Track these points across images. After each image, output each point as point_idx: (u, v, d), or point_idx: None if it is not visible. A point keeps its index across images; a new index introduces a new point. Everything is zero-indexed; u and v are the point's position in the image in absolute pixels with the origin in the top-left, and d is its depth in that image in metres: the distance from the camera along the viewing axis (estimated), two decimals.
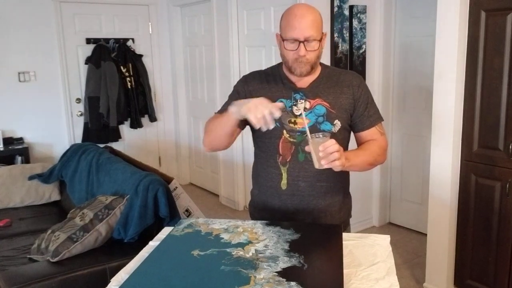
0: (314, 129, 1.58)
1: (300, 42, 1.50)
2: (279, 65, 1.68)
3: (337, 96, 1.62)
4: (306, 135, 1.44)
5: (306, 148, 1.46)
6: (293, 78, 1.62)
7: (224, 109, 1.64)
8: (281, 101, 1.60)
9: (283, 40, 1.53)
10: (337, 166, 1.40)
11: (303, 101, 1.60)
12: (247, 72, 1.79)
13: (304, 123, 1.54)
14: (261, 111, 1.36)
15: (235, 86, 1.73)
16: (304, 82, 1.62)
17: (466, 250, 2.69)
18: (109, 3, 4.74)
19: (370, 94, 1.69)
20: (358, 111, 1.65)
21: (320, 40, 1.53)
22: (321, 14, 1.57)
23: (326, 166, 1.40)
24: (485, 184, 2.56)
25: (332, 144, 1.38)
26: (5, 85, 4.27)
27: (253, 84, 1.66)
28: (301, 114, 1.58)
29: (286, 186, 1.64)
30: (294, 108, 1.60)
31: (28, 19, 4.30)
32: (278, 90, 1.63)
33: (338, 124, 1.62)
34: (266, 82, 1.66)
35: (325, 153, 1.38)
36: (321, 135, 1.42)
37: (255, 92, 1.63)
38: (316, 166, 1.42)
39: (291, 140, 1.60)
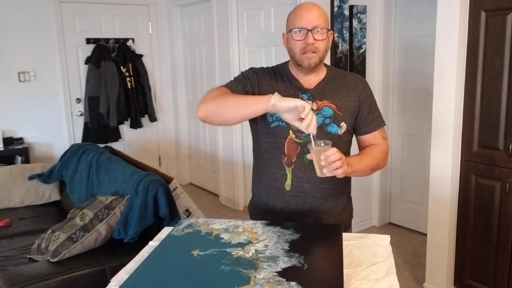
0: (321, 130, 1.57)
1: (308, 30, 1.51)
2: (285, 64, 1.68)
3: (344, 99, 1.62)
4: (309, 143, 1.43)
5: (308, 156, 1.46)
6: (300, 77, 1.62)
7: (233, 87, 1.60)
8: None
9: (291, 31, 1.54)
10: (339, 174, 1.41)
11: (310, 102, 1.59)
12: None
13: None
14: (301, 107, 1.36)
15: (243, 72, 1.68)
16: (310, 83, 1.62)
17: (466, 250, 2.70)
18: (109, 3, 4.74)
19: (374, 98, 1.70)
20: (362, 114, 1.65)
21: (328, 31, 1.55)
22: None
23: (328, 175, 1.41)
24: (485, 184, 2.56)
25: (333, 153, 1.38)
26: (5, 85, 4.27)
27: (262, 79, 1.65)
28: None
29: (290, 186, 1.63)
30: None
31: (28, 19, 4.30)
32: (285, 89, 1.62)
33: (344, 126, 1.62)
34: (274, 80, 1.65)
35: (326, 162, 1.38)
36: (322, 143, 1.42)
37: (263, 88, 1.62)
38: (318, 174, 1.43)
39: (297, 141, 1.59)
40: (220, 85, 1.66)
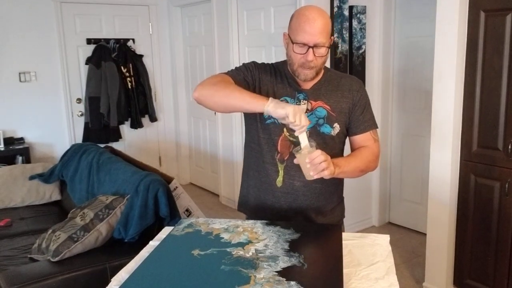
0: (314, 130, 1.59)
1: (309, 47, 1.50)
2: (284, 63, 1.68)
3: (338, 100, 1.64)
4: (295, 149, 1.45)
5: (295, 161, 1.47)
6: (297, 78, 1.63)
7: (234, 75, 1.60)
8: (286, 99, 1.61)
9: (292, 42, 1.53)
10: (326, 175, 1.42)
11: (305, 101, 1.61)
12: None
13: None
14: (300, 117, 1.39)
15: (246, 64, 1.68)
16: (307, 84, 1.63)
17: (465, 249, 2.70)
18: (109, 4, 4.75)
19: (368, 100, 1.71)
20: (354, 115, 1.66)
21: (328, 46, 1.54)
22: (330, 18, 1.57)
23: (316, 177, 1.42)
24: (484, 184, 2.56)
25: (318, 155, 1.40)
26: (6, 85, 4.28)
27: (263, 74, 1.66)
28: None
29: (281, 183, 1.64)
30: None
31: (29, 20, 4.31)
32: (283, 87, 1.64)
33: (337, 127, 1.63)
34: (274, 76, 1.66)
35: (312, 164, 1.40)
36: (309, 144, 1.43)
37: (263, 83, 1.63)
38: (307, 178, 1.45)
39: (291, 139, 1.60)
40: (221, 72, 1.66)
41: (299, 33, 1.50)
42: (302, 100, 1.61)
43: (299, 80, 1.61)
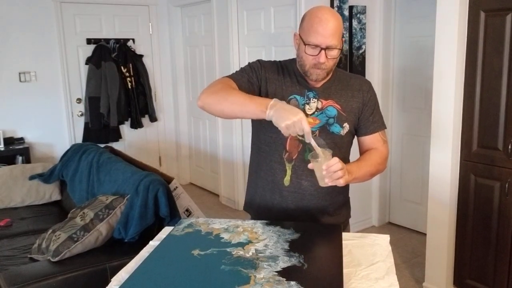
0: (324, 130, 1.58)
1: (321, 49, 1.49)
2: (292, 61, 1.66)
3: (348, 99, 1.63)
4: (310, 153, 1.43)
5: (310, 166, 1.45)
6: (308, 78, 1.62)
7: (238, 78, 1.58)
8: (295, 97, 1.60)
9: (304, 44, 1.51)
10: (341, 184, 1.41)
11: (315, 100, 1.60)
12: None
13: (314, 123, 1.55)
14: (296, 127, 1.35)
15: (251, 64, 1.67)
16: (317, 82, 1.61)
17: (465, 249, 2.70)
18: (109, 4, 4.75)
19: (377, 101, 1.71)
20: (364, 115, 1.66)
21: (340, 48, 1.53)
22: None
23: (330, 184, 1.41)
24: (484, 184, 2.56)
25: (336, 163, 1.38)
26: (6, 85, 4.28)
27: (270, 73, 1.63)
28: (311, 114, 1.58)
29: (289, 182, 1.64)
30: (307, 106, 1.59)
31: (29, 20, 4.31)
32: (292, 85, 1.62)
33: (346, 127, 1.62)
34: (282, 74, 1.64)
35: (328, 171, 1.38)
36: (322, 148, 1.41)
37: (270, 82, 1.61)
38: (321, 184, 1.44)
39: (299, 138, 1.59)
40: (225, 75, 1.64)
41: (311, 34, 1.49)
42: (312, 99, 1.60)
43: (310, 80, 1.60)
